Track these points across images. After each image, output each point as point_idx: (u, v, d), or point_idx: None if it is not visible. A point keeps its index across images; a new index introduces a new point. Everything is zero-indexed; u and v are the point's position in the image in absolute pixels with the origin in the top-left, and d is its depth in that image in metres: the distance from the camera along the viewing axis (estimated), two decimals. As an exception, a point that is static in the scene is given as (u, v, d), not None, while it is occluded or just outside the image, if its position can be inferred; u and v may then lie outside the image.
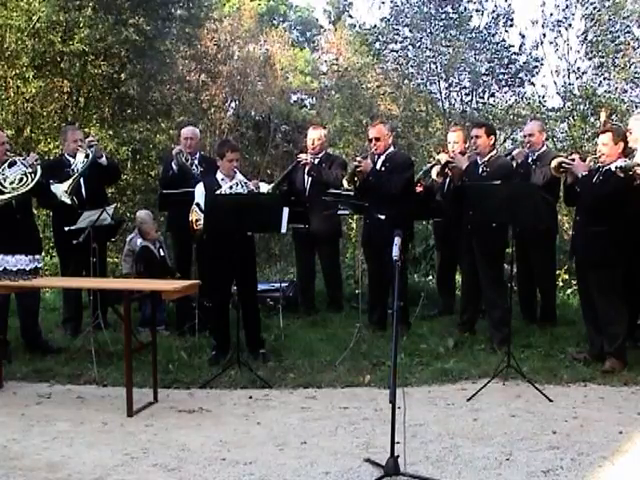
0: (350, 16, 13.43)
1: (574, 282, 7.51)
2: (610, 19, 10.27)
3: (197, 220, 5.37)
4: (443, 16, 11.46)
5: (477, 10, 11.57)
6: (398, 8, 11.75)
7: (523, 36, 11.35)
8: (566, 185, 5.55)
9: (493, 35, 11.59)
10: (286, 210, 5.23)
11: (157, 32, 12.59)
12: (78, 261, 5.98)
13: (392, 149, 6.29)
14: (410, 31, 11.78)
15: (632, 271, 5.23)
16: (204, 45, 15.67)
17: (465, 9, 11.51)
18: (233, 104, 17.89)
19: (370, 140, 6.27)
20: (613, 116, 9.44)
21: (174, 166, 6.57)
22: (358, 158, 6.35)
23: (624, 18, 10.29)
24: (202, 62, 15.89)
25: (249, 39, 18.34)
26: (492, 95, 11.73)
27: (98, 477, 3.49)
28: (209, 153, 11.77)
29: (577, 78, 10.63)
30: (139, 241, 6.84)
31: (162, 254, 6.80)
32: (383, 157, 6.19)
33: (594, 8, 10.38)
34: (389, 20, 11.78)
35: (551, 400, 4.52)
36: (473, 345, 5.77)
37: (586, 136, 9.96)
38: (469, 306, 6.14)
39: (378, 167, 6.17)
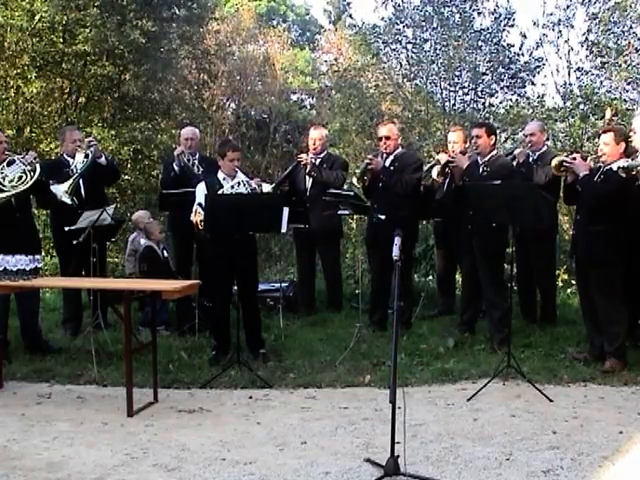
0: (350, 16, 13.40)
1: (574, 282, 7.50)
2: (613, 19, 10.24)
3: (201, 221, 5.32)
4: (444, 16, 11.44)
5: (474, 10, 11.54)
6: (399, 8, 11.75)
7: (524, 36, 11.35)
8: (566, 184, 5.54)
9: (494, 35, 11.58)
10: (286, 210, 5.23)
11: (161, 33, 12.62)
12: (78, 261, 5.98)
13: (401, 149, 6.29)
14: (412, 32, 11.77)
15: (632, 271, 5.23)
16: (205, 44, 15.68)
17: (468, 9, 11.48)
18: (233, 104, 17.90)
19: (380, 139, 6.27)
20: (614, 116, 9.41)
21: (176, 167, 6.56)
22: (369, 156, 6.35)
23: (627, 18, 10.25)
24: (202, 62, 15.90)
25: (249, 39, 18.36)
26: (492, 95, 11.72)
27: (98, 477, 3.49)
28: (209, 153, 11.80)
29: (578, 78, 10.61)
30: (142, 240, 6.84)
31: (165, 255, 6.80)
32: (392, 157, 6.19)
33: (598, 8, 10.35)
34: (390, 20, 11.78)
35: (551, 400, 4.52)
36: (473, 345, 5.78)
37: (586, 136, 9.94)
38: (469, 306, 6.14)
39: (386, 166, 6.17)
